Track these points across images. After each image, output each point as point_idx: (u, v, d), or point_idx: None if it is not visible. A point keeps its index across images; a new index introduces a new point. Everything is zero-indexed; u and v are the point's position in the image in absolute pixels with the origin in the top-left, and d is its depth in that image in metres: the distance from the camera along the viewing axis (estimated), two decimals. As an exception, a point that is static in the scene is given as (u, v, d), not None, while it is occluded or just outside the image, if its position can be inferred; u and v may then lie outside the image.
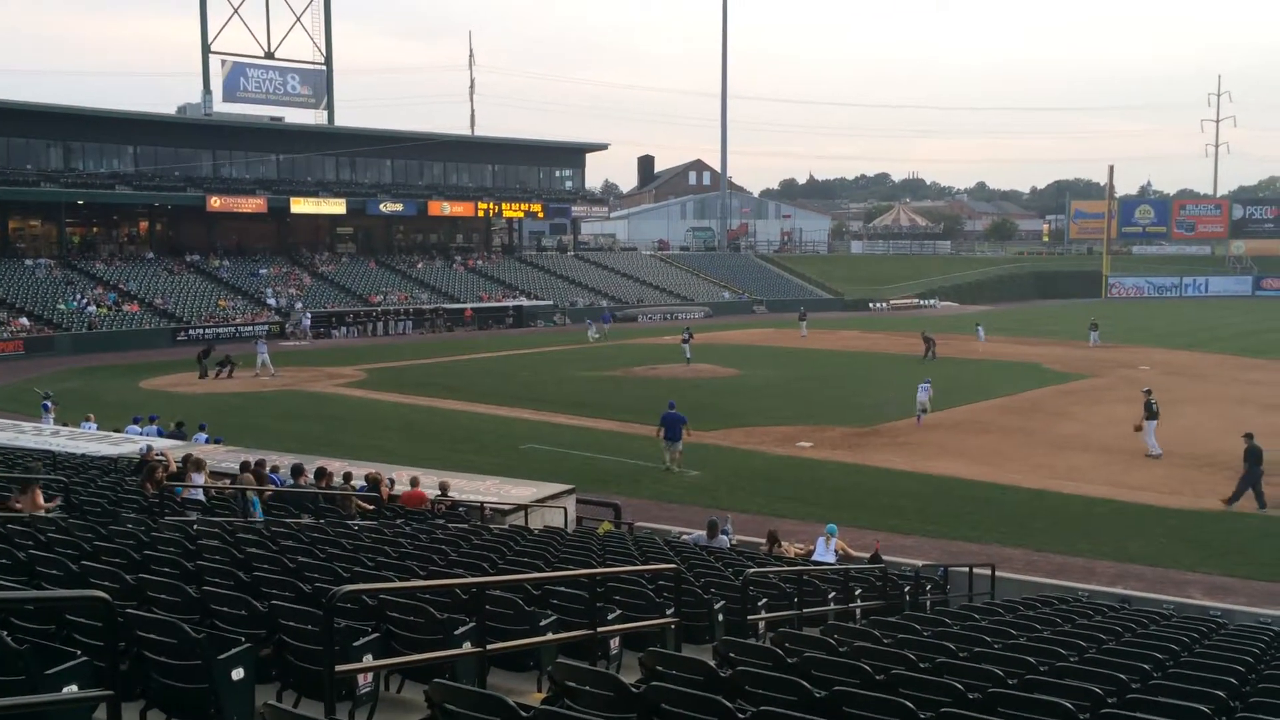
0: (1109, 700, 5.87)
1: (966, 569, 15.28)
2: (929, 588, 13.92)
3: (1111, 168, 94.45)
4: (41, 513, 10.67)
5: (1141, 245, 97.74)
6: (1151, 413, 25.20)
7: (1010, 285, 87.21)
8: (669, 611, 8.85)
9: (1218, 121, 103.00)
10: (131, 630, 5.58)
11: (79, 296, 53.40)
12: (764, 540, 15.68)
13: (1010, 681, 6.26)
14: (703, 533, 15.18)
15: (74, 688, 4.83)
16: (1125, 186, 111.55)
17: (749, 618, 9.45)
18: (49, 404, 27.56)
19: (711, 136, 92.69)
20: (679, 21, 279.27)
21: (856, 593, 12.15)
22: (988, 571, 15.27)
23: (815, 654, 6.99)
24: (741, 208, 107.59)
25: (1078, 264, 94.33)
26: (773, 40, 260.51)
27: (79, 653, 5.09)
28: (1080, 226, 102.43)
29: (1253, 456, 20.50)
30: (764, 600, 10.38)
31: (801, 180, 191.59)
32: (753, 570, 10.82)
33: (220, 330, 53.19)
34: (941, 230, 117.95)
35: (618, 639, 8.08)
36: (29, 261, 56.60)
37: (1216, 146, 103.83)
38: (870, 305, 77.31)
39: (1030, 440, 26.49)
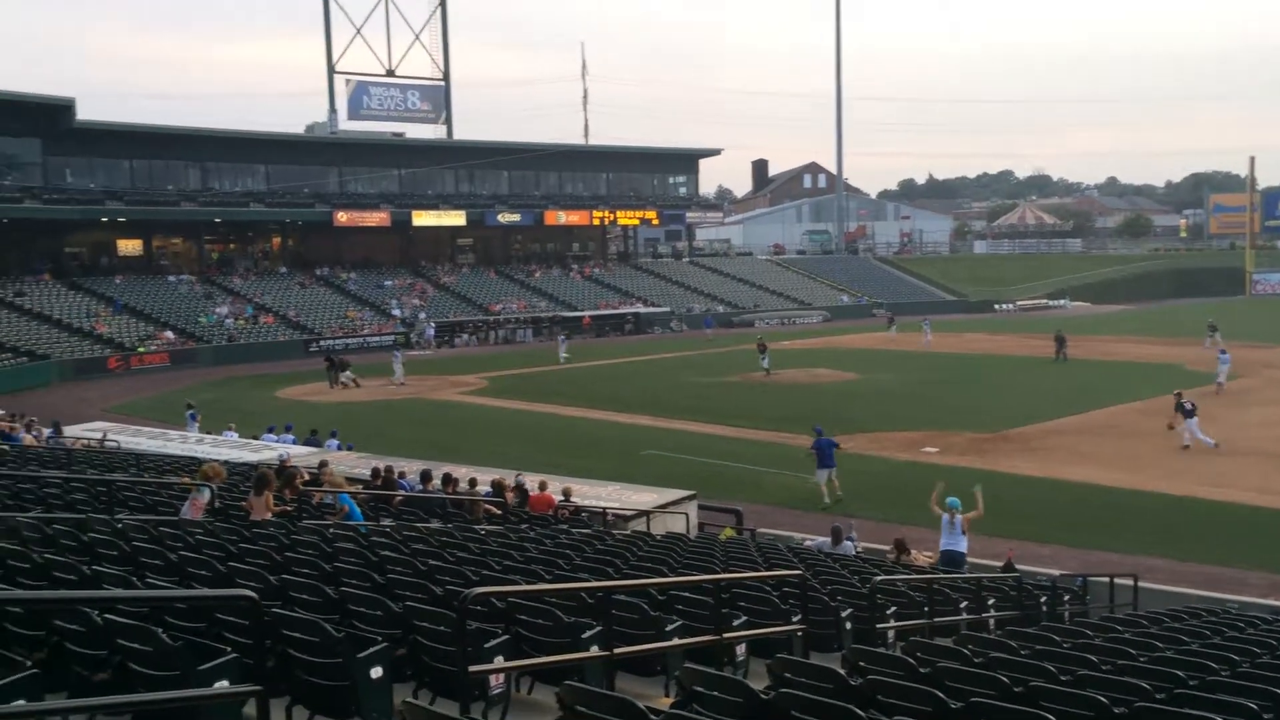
0: (1265, 717, 5.56)
1: (1107, 579, 14.68)
2: (1067, 598, 13.42)
3: (1253, 159, 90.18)
4: (267, 516, 11.13)
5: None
6: (1186, 411, 24.97)
7: (1146, 284, 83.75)
8: (795, 618, 8.76)
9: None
10: (276, 629, 5.79)
11: (218, 310, 55.92)
12: (889, 548, 15.38)
13: (1158, 696, 5.98)
14: (826, 539, 14.97)
15: (225, 683, 5.03)
16: (1268, 178, 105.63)
17: (878, 626, 9.27)
18: (194, 414, 28.89)
19: (826, 138, 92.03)
20: (791, 23, 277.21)
21: (990, 602, 11.81)
22: (1129, 582, 14.64)
23: (949, 664, 6.80)
24: (859, 210, 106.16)
25: (1219, 260, 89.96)
26: (888, 38, 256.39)
27: (229, 650, 5.31)
28: (1220, 221, 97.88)
29: None
30: (892, 609, 10.17)
31: (920, 180, 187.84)
32: (881, 578, 10.60)
33: (349, 341, 54.99)
34: (1070, 228, 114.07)
35: (744, 645, 8.02)
36: (172, 278, 59.57)
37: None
38: (995, 307, 75.26)
39: (1170, 445, 25.33)
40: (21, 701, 4.28)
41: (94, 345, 49.11)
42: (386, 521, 12.75)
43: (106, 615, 5.42)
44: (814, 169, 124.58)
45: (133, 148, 58.21)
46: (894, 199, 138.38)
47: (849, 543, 14.89)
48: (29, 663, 4.56)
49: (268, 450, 22.10)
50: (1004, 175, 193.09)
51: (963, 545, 15.07)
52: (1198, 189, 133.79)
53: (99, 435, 24.35)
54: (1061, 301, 78.02)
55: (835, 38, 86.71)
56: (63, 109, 52.97)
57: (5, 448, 18.37)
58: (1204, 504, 20.36)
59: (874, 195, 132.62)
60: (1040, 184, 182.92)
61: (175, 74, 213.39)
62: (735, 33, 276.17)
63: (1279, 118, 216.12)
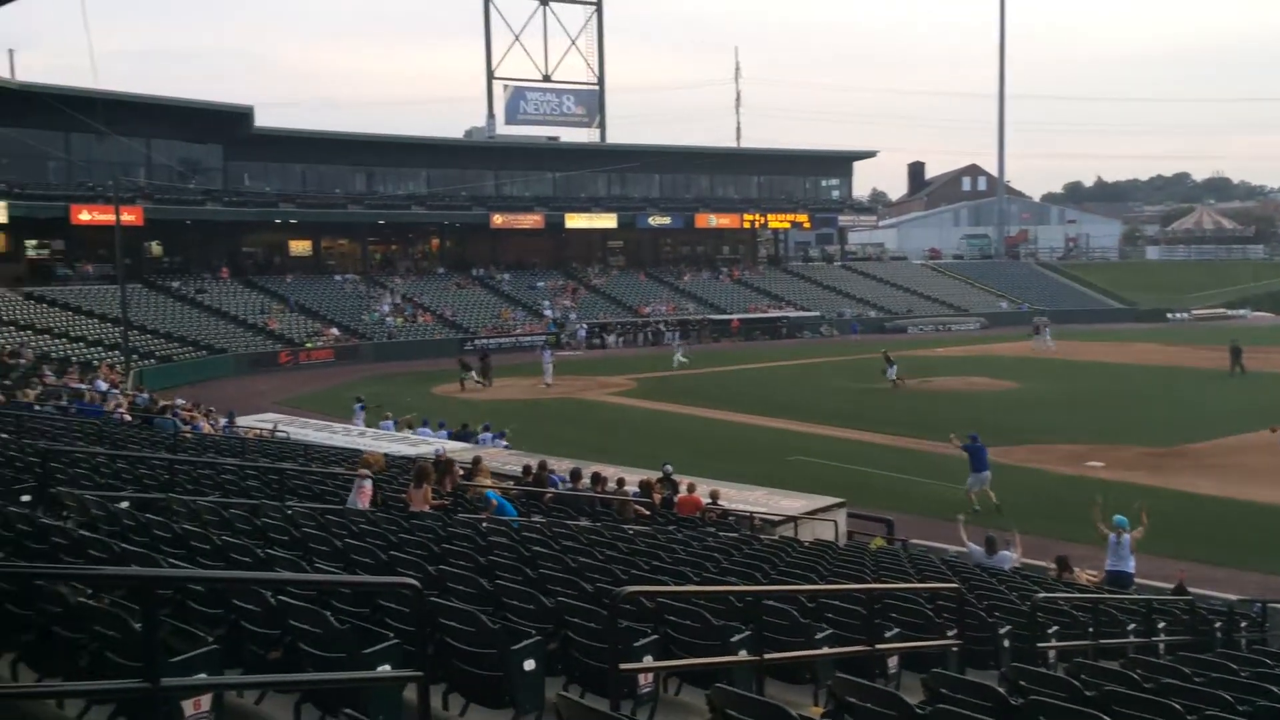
0: None
1: (1288, 606, 13.76)
2: (1244, 625, 12.63)
3: None
4: (425, 508, 11.57)
5: None
6: None
7: (1336, 292, 78.10)
8: (950, 633, 8.51)
9: None
10: (435, 617, 5.96)
11: (380, 308, 58.24)
12: (1050, 564, 14.76)
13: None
14: (979, 547, 14.49)
15: (387, 667, 5.21)
16: None
17: (1039, 645, 8.91)
18: (362, 405, 30.13)
19: (987, 140, 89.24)
20: (951, 21, 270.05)
21: (1160, 626, 11.21)
22: (1315, 610, 13.66)
23: (1116, 688, 6.48)
24: (1020, 213, 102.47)
25: None
26: (1054, 34, 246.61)
27: (391, 635, 5.50)
28: None
29: None
30: (1054, 628, 9.76)
31: (1088, 183, 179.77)
32: (1042, 595, 10.19)
33: (502, 340, 56.39)
34: (1252, 233, 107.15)
35: (896, 658, 7.85)
36: (338, 277, 62.37)
37: None
38: (1168, 316, 71.43)
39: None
40: (203, 675, 4.52)
41: (266, 340, 51.86)
42: (537, 518, 13.00)
43: (280, 597, 5.69)
44: (973, 171, 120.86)
45: (304, 153, 61.23)
46: (1059, 202, 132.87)
47: (1006, 554, 14.34)
48: (210, 639, 4.82)
49: (424, 444, 22.85)
50: (1179, 178, 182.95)
51: (1130, 565, 14.36)
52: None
53: (270, 426, 25.67)
54: (1241, 311, 73.45)
55: (999, 34, 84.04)
56: (242, 117, 56.21)
57: (189, 434, 19.56)
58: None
59: (1037, 198, 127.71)
60: (1219, 187, 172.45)
61: (342, 82, 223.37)
62: (895, 32, 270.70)
63: None
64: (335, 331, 54.53)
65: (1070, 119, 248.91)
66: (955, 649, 8.36)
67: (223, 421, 25.38)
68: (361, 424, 28.25)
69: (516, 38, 70.76)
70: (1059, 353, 49.51)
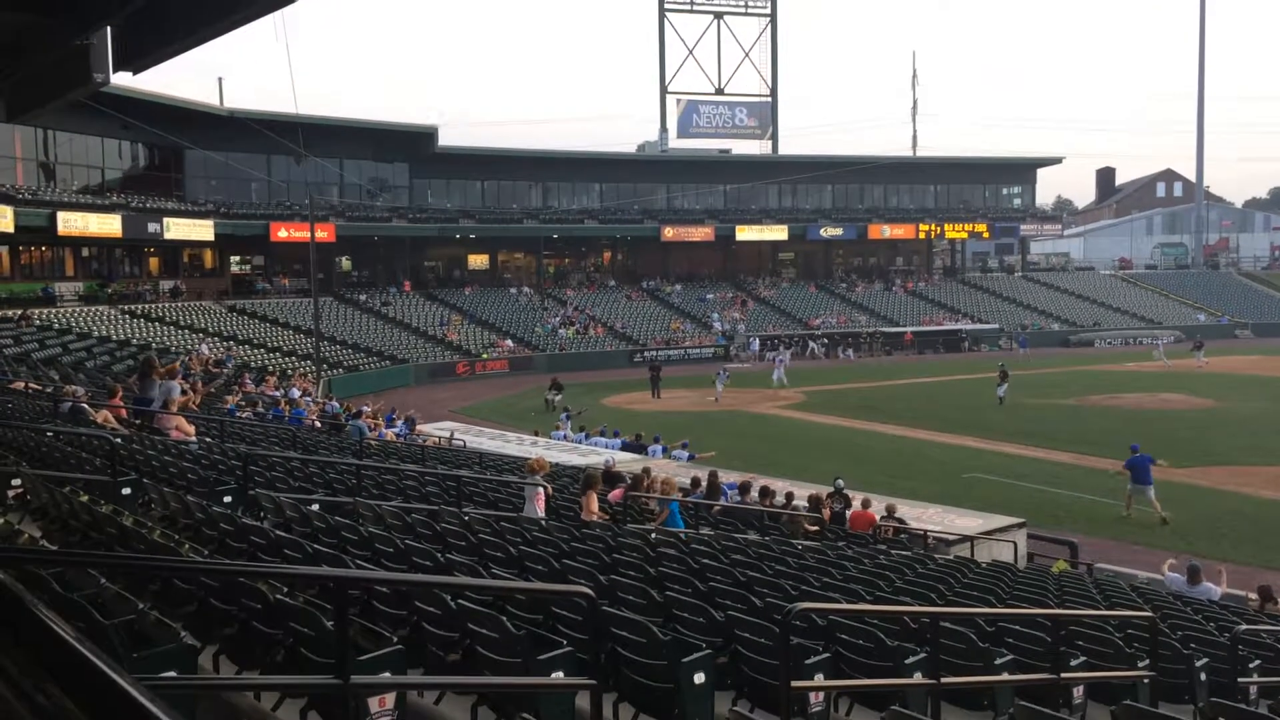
0: None
1: None
2: None
3: None
4: (594, 517, 11.86)
5: None
6: None
7: None
8: (1141, 664, 8.05)
9: None
10: (607, 626, 6.04)
11: (553, 320, 59.68)
12: (1252, 594, 13.77)
13: None
14: (1180, 575, 13.66)
15: (560, 674, 5.31)
16: None
17: (1240, 680, 8.32)
18: (567, 416, 31.03)
19: (1185, 143, 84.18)
20: (1146, 17, 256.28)
21: (1379, 667, 10.28)
22: None
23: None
24: (1221, 220, 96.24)
25: None
26: (1259, 27, 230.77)
27: (565, 643, 5.61)
28: None
29: None
30: (1256, 662, 9.10)
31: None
32: (1244, 627, 9.52)
33: (671, 352, 56.77)
34: None
35: (1082, 688, 7.47)
36: (513, 290, 64.27)
37: None
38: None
39: None
40: (387, 674, 4.71)
41: (445, 351, 53.90)
42: (705, 530, 13.01)
43: (459, 600, 5.89)
44: (1168, 176, 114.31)
45: (483, 169, 63.48)
46: (1264, 208, 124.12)
47: (1210, 585, 13.47)
48: (395, 639, 5.03)
49: (594, 454, 23.23)
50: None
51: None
52: None
53: (447, 434, 26.64)
54: None
55: (1199, 30, 79.31)
56: (426, 136, 58.80)
57: (374, 441, 20.51)
58: None
59: (1239, 204, 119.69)
60: None
61: (522, 101, 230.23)
62: (1081, 30, 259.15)
63: None
64: (509, 343, 56.17)
65: (1277, 118, 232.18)
66: (1146, 681, 7.89)
67: (401, 425, 26.45)
68: (567, 433, 28.88)
69: (690, 52, 71.43)
70: (1210, 367, 46.69)
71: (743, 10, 72.49)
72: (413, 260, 63.15)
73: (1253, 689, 8.62)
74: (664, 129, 71.36)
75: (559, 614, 6.51)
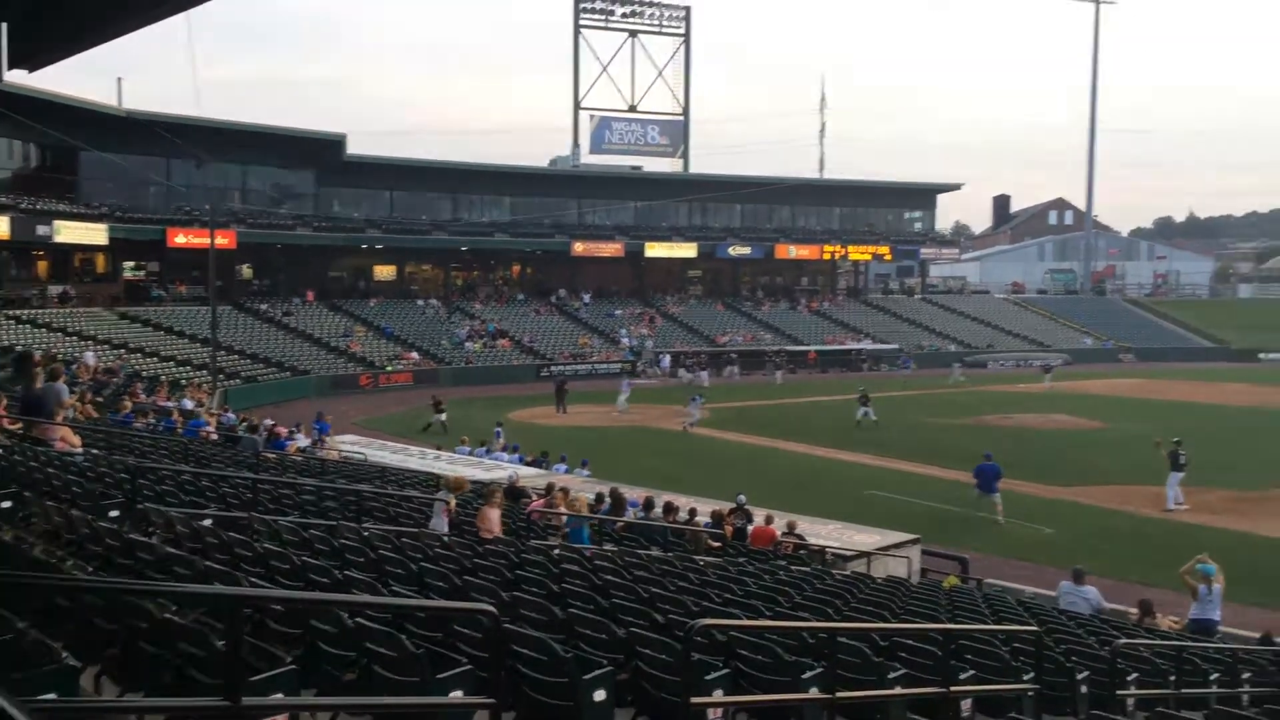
0: None
1: (1387, 662, 13.14)
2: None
3: None
4: (497, 533, 11.72)
5: None
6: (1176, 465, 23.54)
7: None
8: (1026, 677, 8.31)
9: None
10: (507, 644, 6.02)
11: (460, 333, 59.15)
12: (1131, 609, 14.37)
13: None
14: (1069, 581, 14.33)
15: (459, 693, 5.27)
16: None
17: (1118, 693, 8.67)
18: (499, 431, 30.70)
19: (1075, 173, 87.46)
20: (1042, 52, 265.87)
21: (1244, 676, 10.82)
22: None
23: (1200, 742, 6.27)
24: (1108, 248, 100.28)
25: None
26: (1147, 66, 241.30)
27: (464, 661, 5.57)
28: None
29: None
30: (1134, 675, 9.48)
31: (1180, 218, 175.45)
32: (1123, 641, 9.91)
33: (578, 367, 56.73)
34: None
35: (970, 701, 7.69)
36: (420, 302, 63.53)
37: None
38: (1261, 356, 69.06)
39: None
40: (280, 695, 4.62)
41: (348, 363, 52.95)
42: (609, 546, 13.04)
43: (357, 619, 5.80)
44: (1060, 205, 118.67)
45: (392, 180, 62.72)
46: (1148, 237, 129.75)
47: (1092, 589, 14.15)
48: (289, 659, 4.93)
49: (499, 469, 23.08)
50: (1276, 215, 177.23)
51: (1217, 614, 13.89)
52: None
53: (350, 447, 26.15)
54: (1341, 352, 70.71)
55: (1091, 66, 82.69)
56: (334, 144, 57.79)
57: (272, 456, 20.04)
58: None
59: (1125, 233, 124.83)
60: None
61: (433, 112, 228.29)
62: (983, 63, 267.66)
63: None
64: (415, 355, 55.46)
65: (1162, 153, 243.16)
66: (1031, 694, 8.16)
67: (301, 439, 25.90)
68: (501, 447, 28.60)
69: (604, 69, 71.85)
70: (1189, 393, 48.49)
71: (657, 30, 73.18)
72: (317, 270, 61.94)
73: (1130, 701, 8.99)
74: (576, 144, 71.56)
75: (460, 632, 6.45)
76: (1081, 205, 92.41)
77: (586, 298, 68.16)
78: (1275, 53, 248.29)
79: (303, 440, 25.11)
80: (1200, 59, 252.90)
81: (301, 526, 9.96)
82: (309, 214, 59.80)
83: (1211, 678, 10.56)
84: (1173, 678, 9.66)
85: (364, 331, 56.88)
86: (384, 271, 66.35)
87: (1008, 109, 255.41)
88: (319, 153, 58.07)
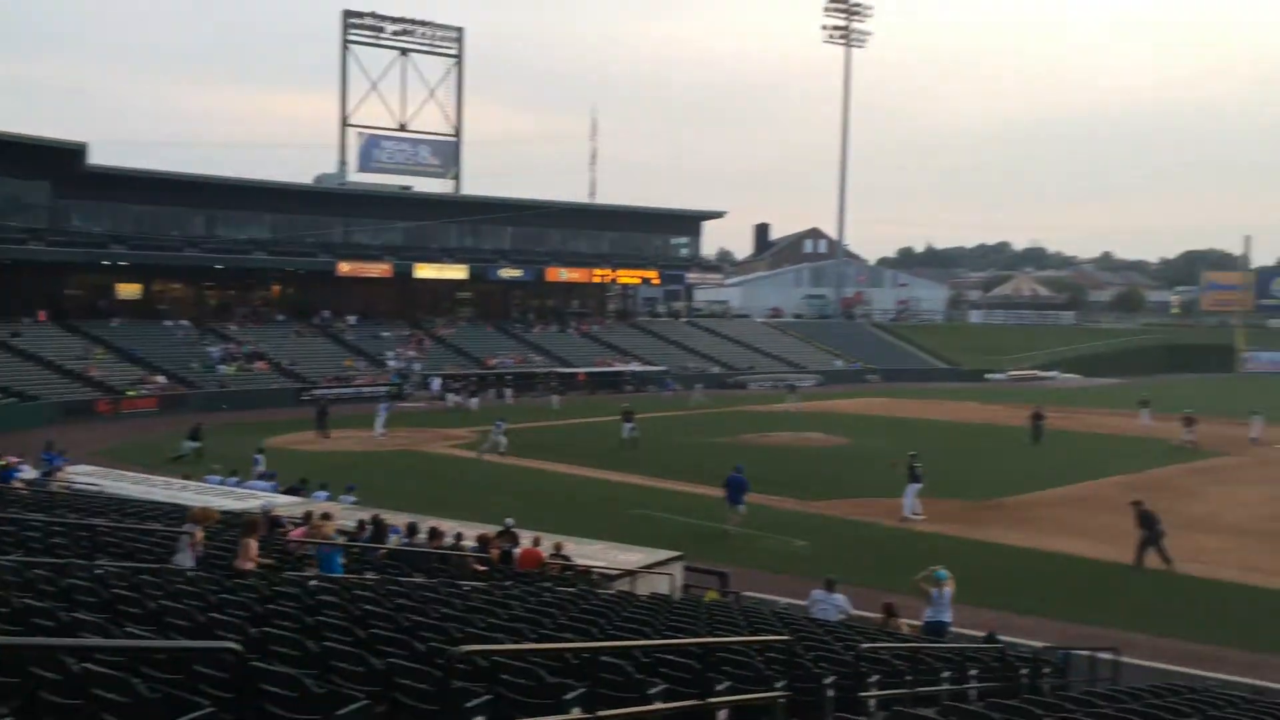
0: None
1: (1088, 653, 14.62)
2: (1047, 671, 13.35)
3: (1248, 238, 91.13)
4: (250, 566, 11.06)
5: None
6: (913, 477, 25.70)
7: (1138, 358, 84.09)
8: (778, 685, 8.71)
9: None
10: (256, 682, 5.77)
11: (212, 355, 55.98)
12: (877, 614, 15.34)
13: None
14: (821, 589, 15.14)
15: (200, 736, 5.01)
16: (1262, 257, 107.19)
17: (860, 694, 9.23)
18: (260, 456, 29.01)
19: (829, 204, 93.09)
20: (800, 89, 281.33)
21: (971, 673, 11.74)
22: (1111, 656, 14.58)
23: (929, 736, 6.77)
24: (857, 276, 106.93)
25: (1210, 337, 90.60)
26: (893, 105, 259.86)
27: (206, 703, 5.29)
28: (1214, 298, 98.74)
29: (1147, 521, 21.07)
30: (876, 677, 10.12)
31: (919, 249, 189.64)
32: (865, 645, 10.56)
33: (342, 390, 54.89)
34: (1064, 300, 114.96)
35: (726, 711, 7.98)
36: (168, 323, 59.68)
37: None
38: (987, 376, 75.48)
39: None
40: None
41: (84, 388, 49.02)
42: (370, 575, 12.69)
43: (84, 664, 5.41)
44: (815, 234, 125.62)
45: (141, 193, 58.58)
46: (892, 266, 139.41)
47: (842, 597, 15.00)
48: (4, 711, 4.54)
49: (252, 498, 22.01)
50: (1001, 246, 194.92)
51: (948, 616, 15.06)
52: (1191, 266, 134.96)
53: (74, 481, 24.09)
54: (1053, 373, 78.29)
55: (843, 104, 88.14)
56: (73, 153, 53.34)
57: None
58: (1186, 580, 20.37)
59: (873, 262, 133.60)
60: (1036, 256, 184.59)
61: (192, 124, 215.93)
62: (747, 97, 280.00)
63: (1273, 198, 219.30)
64: (161, 379, 52.04)
65: (905, 187, 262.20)
66: (783, 700, 8.55)
67: (28, 470, 23.78)
68: (259, 474, 27.18)
69: (374, 85, 70.29)
70: (924, 411, 51.95)
71: (429, 49, 72.27)
72: (51, 288, 57.08)
73: (872, 702, 9.58)
74: (343, 162, 69.56)
75: (202, 672, 6.13)
76: (834, 235, 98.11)
77: (352, 319, 66.18)
78: (999, 101, 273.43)
79: (29, 472, 23.06)
80: (938, 104, 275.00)
81: (24, 566, 9.16)
82: (43, 228, 55.07)
83: (943, 676, 11.41)
84: (909, 678, 10.35)
85: (104, 354, 52.84)
86: (128, 290, 61.98)
87: (770, 141, 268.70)
88: (55, 161, 53.46)
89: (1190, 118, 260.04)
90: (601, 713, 6.70)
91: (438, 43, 72.54)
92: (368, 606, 9.32)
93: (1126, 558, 21.48)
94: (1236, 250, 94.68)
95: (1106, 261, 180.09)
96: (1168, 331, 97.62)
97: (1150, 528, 21.21)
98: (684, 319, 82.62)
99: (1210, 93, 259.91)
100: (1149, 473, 32.85)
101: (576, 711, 6.71)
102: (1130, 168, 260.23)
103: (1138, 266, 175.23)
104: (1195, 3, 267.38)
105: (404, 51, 71.15)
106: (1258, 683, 13.82)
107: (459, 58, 73.11)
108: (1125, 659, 14.66)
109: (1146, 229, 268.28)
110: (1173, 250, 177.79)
